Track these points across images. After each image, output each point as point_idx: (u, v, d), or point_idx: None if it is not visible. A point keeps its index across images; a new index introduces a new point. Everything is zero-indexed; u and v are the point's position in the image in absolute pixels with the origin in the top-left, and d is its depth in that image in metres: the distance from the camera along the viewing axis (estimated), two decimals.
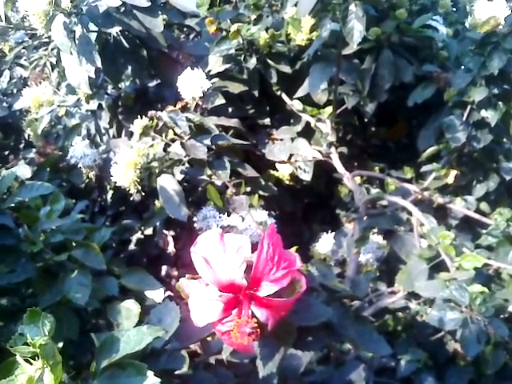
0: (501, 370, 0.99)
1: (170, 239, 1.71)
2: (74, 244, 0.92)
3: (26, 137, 1.81)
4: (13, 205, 0.91)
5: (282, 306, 0.48)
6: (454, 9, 1.75)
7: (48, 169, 1.55)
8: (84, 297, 0.83)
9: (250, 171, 1.12)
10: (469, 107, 1.30)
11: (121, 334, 0.55)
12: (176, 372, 0.62)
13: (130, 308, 0.83)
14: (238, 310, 0.48)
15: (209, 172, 1.06)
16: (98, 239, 0.98)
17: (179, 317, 0.62)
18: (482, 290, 0.90)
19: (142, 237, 1.56)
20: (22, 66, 1.93)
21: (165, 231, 1.68)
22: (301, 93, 1.37)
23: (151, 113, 1.04)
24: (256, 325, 0.46)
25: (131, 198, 1.32)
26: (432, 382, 0.95)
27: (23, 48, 1.94)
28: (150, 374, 0.50)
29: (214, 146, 1.06)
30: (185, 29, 1.64)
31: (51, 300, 0.83)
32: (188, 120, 1.03)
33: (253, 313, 0.48)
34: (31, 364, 0.47)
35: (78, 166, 1.43)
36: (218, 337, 0.70)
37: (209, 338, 0.70)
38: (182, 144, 1.04)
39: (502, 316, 0.94)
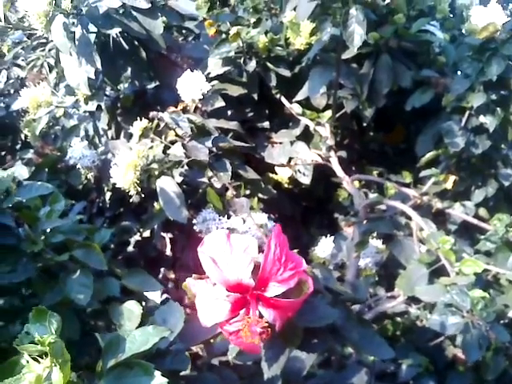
0: (501, 377, 1.00)
1: (168, 242, 1.71)
2: (74, 244, 0.92)
3: (23, 137, 1.80)
4: (11, 205, 0.90)
5: (289, 307, 0.48)
6: (451, 15, 1.77)
7: (46, 169, 1.55)
8: (86, 297, 0.82)
9: (250, 173, 1.12)
10: (467, 113, 1.30)
11: (126, 334, 0.55)
12: (181, 373, 0.62)
13: (131, 309, 0.83)
14: (245, 311, 0.48)
15: (209, 174, 1.06)
16: (97, 240, 0.98)
17: (183, 317, 0.62)
18: (483, 295, 0.90)
19: (141, 239, 1.55)
20: (19, 66, 1.93)
21: (163, 234, 1.67)
22: (300, 96, 1.37)
23: (153, 113, 1.04)
24: (266, 324, 0.46)
25: (130, 200, 1.32)
26: None
27: (21, 48, 1.93)
28: (157, 373, 0.50)
29: (214, 148, 1.06)
30: (184, 31, 1.64)
31: (52, 300, 0.82)
32: (189, 121, 1.03)
33: (260, 313, 0.48)
34: (39, 363, 0.46)
35: (77, 166, 1.43)
36: (221, 338, 0.70)
37: (212, 340, 0.70)
38: (183, 145, 1.04)
39: (502, 322, 0.94)
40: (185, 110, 1.07)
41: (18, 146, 1.87)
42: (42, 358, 0.47)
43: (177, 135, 1.06)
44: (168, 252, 1.70)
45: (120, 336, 0.55)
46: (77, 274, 0.86)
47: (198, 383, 0.61)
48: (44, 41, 1.85)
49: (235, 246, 0.49)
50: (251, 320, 0.46)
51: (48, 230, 0.94)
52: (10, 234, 0.89)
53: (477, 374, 1.00)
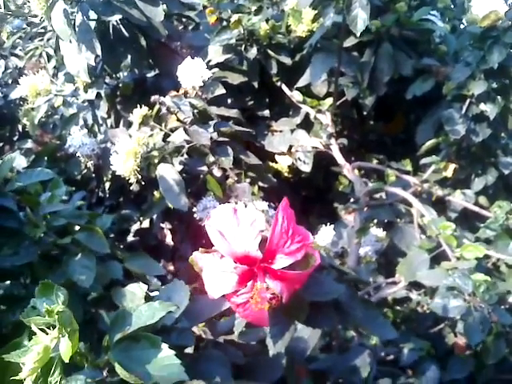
0: (500, 363, 1.00)
1: (168, 232, 1.70)
2: (76, 228, 0.92)
3: (22, 128, 1.80)
4: (12, 189, 0.90)
5: (296, 279, 0.48)
6: (452, 5, 1.77)
7: (46, 158, 1.54)
8: (89, 279, 0.82)
9: (252, 158, 1.12)
10: (468, 101, 1.31)
11: (132, 309, 0.55)
12: (185, 351, 0.62)
13: (134, 292, 0.82)
14: (252, 282, 0.48)
15: (211, 159, 1.06)
16: (99, 225, 0.98)
17: (188, 295, 0.62)
18: (485, 279, 0.90)
19: (141, 228, 1.55)
20: (17, 56, 1.92)
21: (162, 225, 1.67)
22: (302, 83, 1.37)
23: (154, 97, 1.03)
24: (276, 292, 0.46)
25: (130, 188, 1.32)
26: (435, 371, 0.95)
27: (19, 38, 1.93)
28: (164, 346, 0.50)
29: (216, 134, 1.05)
30: (184, 20, 1.64)
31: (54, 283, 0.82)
32: (191, 106, 1.02)
33: (267, 285, 0.48)
34: (46, 334, 0.46)
35: (76, 155, 1.42)
36: (225, 318, 0.70)
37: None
38: (185, 130, 1.03)
39: (503, 307, 0.94)
40: (186, 95, 1.06)
41: (16, 137, 1.86)
42: (50, 330, 0.46)
43: (178, 120, 1.06)
44: (168, 242, 1.70)
45: (126, 311, 0.55)
46: (79, 256, 0.86)
47: (203, 359, 0.61)
48: (42, 30, 1.85)
49: (242, 219, 0.49)
50: (261, 287, 0.46)
51: (49, 215, 0.94)
52: (11, 218, 0.88)
53: (477, 360, 1.00)
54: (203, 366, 0.61)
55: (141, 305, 0.55)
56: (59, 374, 0.46)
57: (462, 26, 1.72)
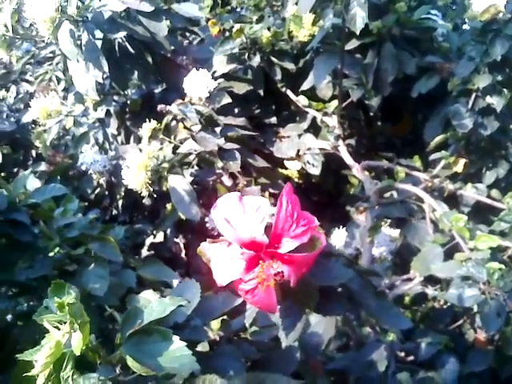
0: None
1: (182, 246, 1.71)
2: (89, 239, 0.93)
3: (35, 152, 1.82)
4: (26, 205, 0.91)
5: (303, 262, 0.48)
6: (452, 4, 1.78)
7: (58, 177, 1.56)
8: (102, 288, 0.83)
9: (260, 162, 1.12)
10: (473, 95, 1.31)
11: (144, 306, 0.56)
12: (200, 348, 0.62)
13: (148, 298, 0.83)
14: (260, 268, 0.48)
15: (219, 164, 1.06)
16: (112, 236, 0.99)
17: (199, 292, 0.63)
18: (500, 267, 0.89)
19: (156, 241, 1.56)
20: (27, 81, 1.97)
21: (176, 239, 1.68)
22: (306, 86, 1.38)
23: (160, 106, 1.05)
24: (280, 270, 0.46)
25: (143, 201, 1.33)
26: (454, 363, 0.93)
27: (28, 63, 1.97)
28: (175, 338, 0.50)
29: (223, 139, 1.06)
30: (188, 34, 1.66)
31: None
32: (197, 112, 1.03)
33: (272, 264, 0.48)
34: (59, 329, 0.47)
35: (89, 172, 1.44)
36: (237, 317, 0.70)
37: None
38: (192, 137, 1.05)
39: None
40: (192, 102, 1.08)
41: (30, 161, 1.89)
42: (62, 325, 0.47)
43: (185, 127, 1.07)
44: (183, 256, 1.70)
45: (138, 308, 0.55)
46: (92, 266, 0.87)
47: (217, 355, 0.61)
48: (51, 55, 1.89)
49: (247, 205, 0.49)
50: (266, 264, 0.46)
51: (63, 228, 0.95)
52: (26, 232, 0.90)
53: (499, 353, 0.99)
54: (216, 361, 0.61)
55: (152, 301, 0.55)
56: (71, 368, 0.46)
57: (464, 26, 1.72)
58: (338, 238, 1.29)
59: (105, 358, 0.50)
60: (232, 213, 0.49)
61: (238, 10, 1.60)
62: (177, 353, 0.50)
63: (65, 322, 0.47)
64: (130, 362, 0.47)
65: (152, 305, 0.55)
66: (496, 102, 1.26)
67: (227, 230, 0.48)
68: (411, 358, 1.02)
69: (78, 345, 0.45)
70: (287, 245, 0.48)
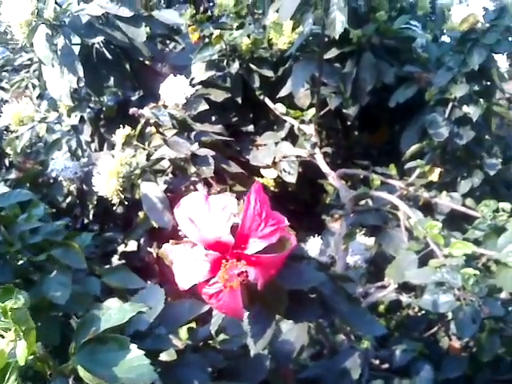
0: (497, 363, 0.97)
1: (155, 255, 1.67)
2: (53, 244, 0.89)
3: (8, 161, 1.77)
4: None
5: (271, 263, 0.46)
6: (433, 17, 1.79)
7: (28, 184, 1.51)
8: (64, 296, 0.78)
9: (233, 167, 1.10)
10: (450, 104, 1.31)
11: (101, 312, 0.52)
12: (164, 358, 0.58)
13: (111, 307, 0.79)
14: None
15: (192, 170, 1.04)
16: (78, 243, 0.95)
17: (164, 299, 0.59)
18: (474, 272, 0.88)
19: (127, 250, 1.52)
20: (3, 88, 1.93)
21: (149, 249, 1.64)
22: (284, 92, 1.37)
23: (133, 110, 1.02)
24: (245, 269, 0.44)
25: (114, 209, 1.29)
26: (429, 370, 0.92)
27: (4, 71, 1.93)
28: (133, 347, 0.47)
29: (197, 144, 1.04)
30: (168, 41, 1.64)
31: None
32: (171, 116, 1.01)
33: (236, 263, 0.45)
34: (3, 337, 0.43)
35: (59, 179, 1.40)
36: (204, 325, 0.67)
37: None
38: (164, 141, 1.02)
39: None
40: (165, 105, 1.05)
41: (3, 170, 1.83)
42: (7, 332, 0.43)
43: (158, 132, 1.04)
44: (155, 266, 1.66)
45: (94, 314, 0.52)
46: (54, 273, 0.82)
47: (181, 365, 0.58)
48: (28, 62, 1.85)
49: (213, 204, 0.47)
50: (229, 264, 0.43)
51: (26, 233, 0.91)
52: None
53: (473, 360, 0.97)
54: (180, 371, 0.58)
55: (111, 308, 0.52)
56: (15, 380, 0.42)
57: (443, 37, 1.73)
58: (313, 246, 1.28)
59: (55, 368, 0.47)
60: (197, 212, 0.46)
61: (219, 17, 1.59)
62: (134, 362, 0.46)
63: (10, 330, 0.44)
64: (82, 372, 0.44)
65: (111, 311, 0.52)
66: (472, 111, 1.26)
67: (191, 230, 0.46)
68: (386, 365, 1.01)
69: (23, 354, 0.41)
70: (254, 245, 0.45)
